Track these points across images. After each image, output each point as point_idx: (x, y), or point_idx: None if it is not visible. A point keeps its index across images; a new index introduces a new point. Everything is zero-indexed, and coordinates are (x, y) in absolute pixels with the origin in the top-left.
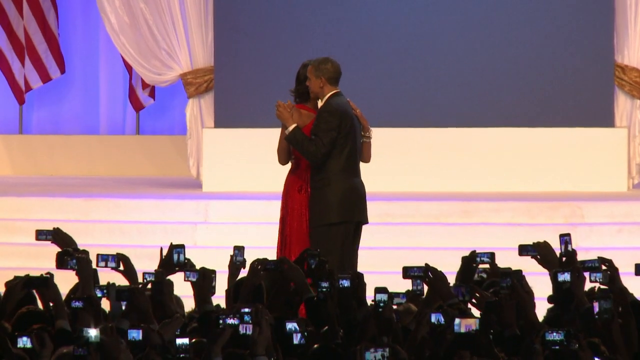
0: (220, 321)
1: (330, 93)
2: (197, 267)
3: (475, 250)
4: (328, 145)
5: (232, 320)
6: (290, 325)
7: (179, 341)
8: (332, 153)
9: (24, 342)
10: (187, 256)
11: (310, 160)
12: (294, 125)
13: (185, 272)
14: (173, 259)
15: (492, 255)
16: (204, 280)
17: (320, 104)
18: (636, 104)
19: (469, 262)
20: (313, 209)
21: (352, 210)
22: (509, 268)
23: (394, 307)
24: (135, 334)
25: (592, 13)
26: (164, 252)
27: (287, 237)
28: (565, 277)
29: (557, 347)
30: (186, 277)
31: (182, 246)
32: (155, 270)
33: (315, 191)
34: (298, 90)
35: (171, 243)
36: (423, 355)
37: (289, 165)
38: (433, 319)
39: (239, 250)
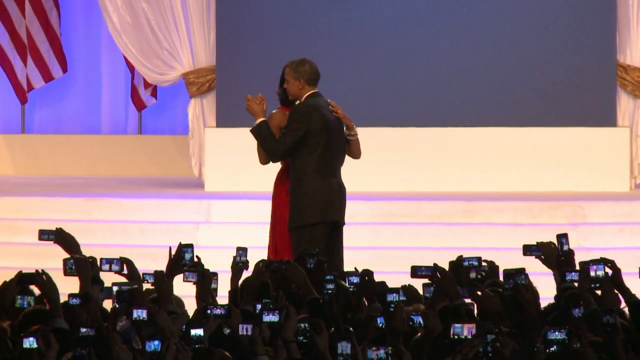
0: (208, 311)
1: (308, 94)
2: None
3: (462, 255)
4: (288, 145)
5: (219, 310)
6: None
7: (193, 332)
8: (302, 153)
9: (30, 342)
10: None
11: (268, 155)
12: (261, 119)
13: (185, 272)
14: (182, 258)
15: (479, 259)
16: (203, 281)
17: None
18: (638, 104)
19: (456, 267)
20: (290, 211)
21: (326, 211)
22: (511, 269)
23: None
24: (141, 313)
25: (595, 13)
26: (173, 252)
27: (277, 242)
28: (572, 276)
29: (559, 346)
30: (185, 278)
31: (190, 245)
32: (155, 271)
33: (291, 194)
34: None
35: (180, 242)
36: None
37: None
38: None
39: (242, 251)
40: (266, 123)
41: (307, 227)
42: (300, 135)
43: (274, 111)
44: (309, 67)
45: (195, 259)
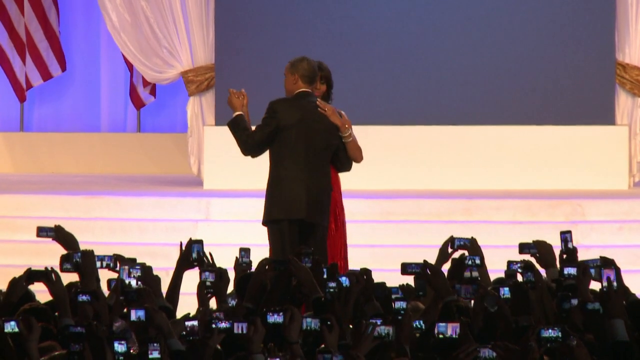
0: (213, 324)
1: (299, 91)
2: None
3: (464, 254)
4: (257, 140)
5: (224, 324)
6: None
7: (188, 323)
8: (274, 149)
9: (11, 326)
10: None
11: (240, 149)
12: (237, 113)
13: (203, 272)
14: (191, 255)
15: (482, 259)
16: (220, 281)
17: None
18: (637, 102)
19: (459, 264)
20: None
21: (290, 208)
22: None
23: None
24: (140, 314)
25: (594, 11)
26: (184, 248)
27: None
28: (569, 270)
29: (553, 344)
30: (202, 278)
31: (200, 242)
32: (142, 264)
33: (266, 187)
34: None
35: (190, 238)
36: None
37: None
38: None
39: (245, 252)
40: (242, 117)
41: (274, 223)
42: (269, 130)
43: None
44: (306, 65)
45: (208, 256)
